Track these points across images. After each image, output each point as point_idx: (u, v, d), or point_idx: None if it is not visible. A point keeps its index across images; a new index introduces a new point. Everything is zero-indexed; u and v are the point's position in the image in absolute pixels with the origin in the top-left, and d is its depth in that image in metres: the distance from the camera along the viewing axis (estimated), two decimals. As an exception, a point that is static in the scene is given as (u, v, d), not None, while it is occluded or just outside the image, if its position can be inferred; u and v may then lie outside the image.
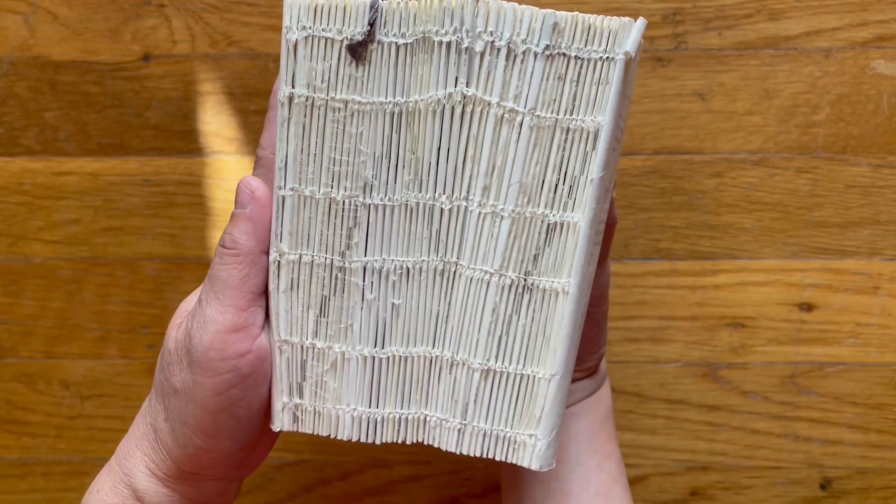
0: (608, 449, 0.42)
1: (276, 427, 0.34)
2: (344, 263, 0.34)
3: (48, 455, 0.54)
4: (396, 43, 0.32)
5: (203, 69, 0.51)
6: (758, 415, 0.52)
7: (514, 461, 0.33)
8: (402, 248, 0.33)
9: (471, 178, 0.32)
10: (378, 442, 0.34)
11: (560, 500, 0.41)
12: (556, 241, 0.32)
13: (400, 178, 0.33)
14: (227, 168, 0.52)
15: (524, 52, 0.31)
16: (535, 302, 0.33)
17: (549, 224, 0.32)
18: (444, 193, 0.33)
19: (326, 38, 0.32)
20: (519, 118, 0.32)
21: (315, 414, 0.34)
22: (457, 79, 0.32)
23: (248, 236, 0.33)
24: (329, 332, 0.34)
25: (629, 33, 0.31)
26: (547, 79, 0.32)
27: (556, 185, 0.32)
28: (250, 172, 0.52)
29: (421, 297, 0.33)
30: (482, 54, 0.32)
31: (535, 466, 0.33)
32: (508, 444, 0.33)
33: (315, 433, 0.34)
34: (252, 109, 0.52)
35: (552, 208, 0.32)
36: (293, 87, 0.33)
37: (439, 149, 0.32)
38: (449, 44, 0.32)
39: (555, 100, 0.32)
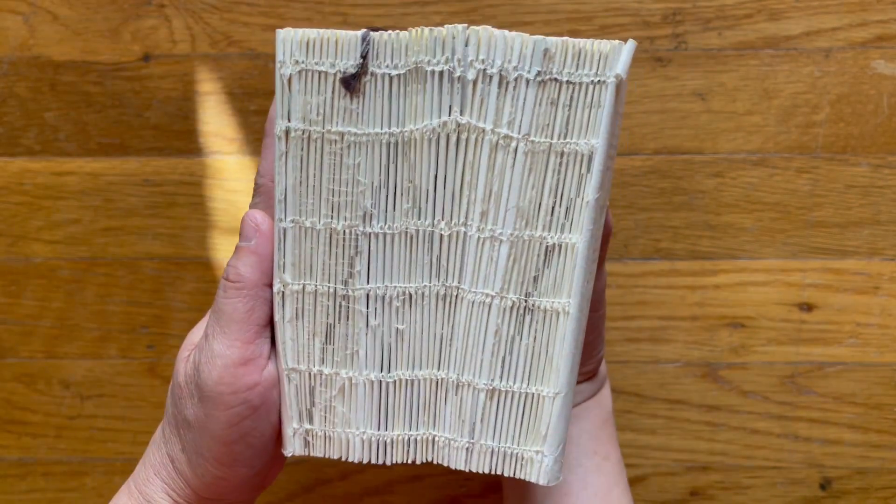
0: (608, 451, 0.43)
1: (287, 452, 0.35)
2: (347, 291, 0.34)
3: (48, 455, 0.54)
4: (389, 74, 0.33)
5: (203, 69, 0.51)
6: (758, 415, 0.52)
7: (521, 477, 0.34)
8: (404, 275, 0.34)
9: (468, 203, 0.33)
10: (388, 463, 0.35)
11: (559, 501, 0.41)
12: (554, 262, 0.33)
13: (399, 207, 0.33)
14: (227, 168, 0.52)
15: (516, 79, 0.32)
16: (537, 322, 0.33)
17: (547, 246, 0.33)
18: (442, 220, 0.33)
19: (320, 72, 0.33)
20: (514, 144, 0.32)
21: (325, 438, 0.35)
22: (451, 107, 0.32)
23: (253, 269, 0.34)
24: (335, 359, 0.35)
25: (619, 56, 0.32)
26: (540, 104, 0.32)
27: (553, 208, 0.33)
28: (250, 172, 0.52)
29: (424, 321, 0.34)
30: (475, 82, 0.32)
31: (542, 482, 0.34)
32: (516, 461, 0.34)
33: (326, 457, 0.35)
34: (252, 109, 0.52)
35: (550, 230, 0.33)
36: (289, 120, 0.33)
37: (436, 176, 0.33)
38: (441, 73, 0.32)
39: (548, 124, 0.32)
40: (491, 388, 0.34)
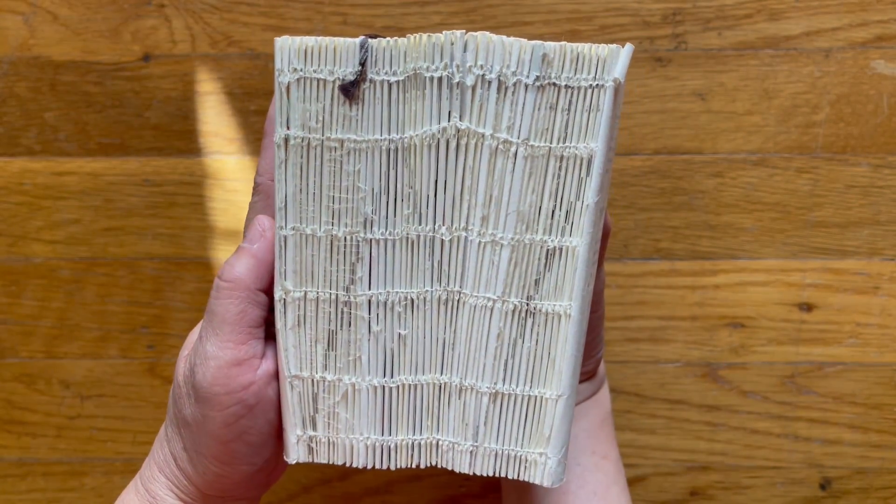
0: (606, 450, 0.43)
1: (291, 459, 0.35)
2: (349, 298, 0.34)
3: (48, 455, 0.54)
4: (388, 81, 0.33)
5: (203, 69, 0.51)
6: (758, 415, 0.52)
7: (525, 479, 0.34)
8: (406, 280, 0.34)
9: (469, 208, 0.33)
10: (393, 468, 0.35)
11: (558, 500, 0.41)
12: (555, 265, 0.33)
13: (399, 212, 0.33)
14: (227, 168, 0.52)
15: (515, 84, 0.32)
16: (539, 325, 0.34)
17: (548, 249, 0.33)
18: (443, 225, 0.33)
19: (318, 80, 0.33)
20: (513, 148, 0.32)
21: (329, 444, 0.35)
22: (450, 113, 0.32)
23: (249, 272, 0.34)
24: (338, 365, 0.35)
25: (617, 60, 0.32)
26: (539, 109, 0.32)
27: (553, 212, 0.33)
28: (250, 172, 0.52)
29: (426, 326, 0.34)
30: (473, 88, 0.32)
31: (546, 483, 0.34)
32: (520, 463, 0.34)
33: (330, 463, 0.35)
34: (252, 109, 0.52)
35: (550, 234, 0.33)
36: (288, 128, 0.33)
37: (436, 182, 0.33)
38: (440, 79, 0.32)
39: (547, 129, 0.32)
40: (494, 391, 0.34)
